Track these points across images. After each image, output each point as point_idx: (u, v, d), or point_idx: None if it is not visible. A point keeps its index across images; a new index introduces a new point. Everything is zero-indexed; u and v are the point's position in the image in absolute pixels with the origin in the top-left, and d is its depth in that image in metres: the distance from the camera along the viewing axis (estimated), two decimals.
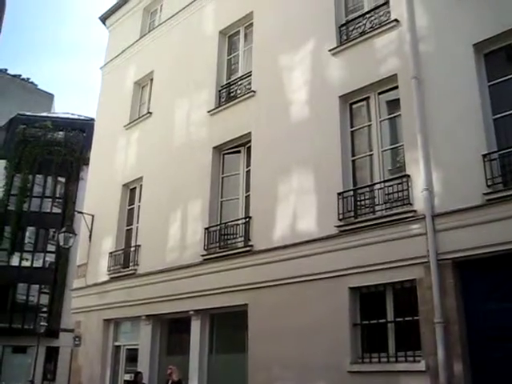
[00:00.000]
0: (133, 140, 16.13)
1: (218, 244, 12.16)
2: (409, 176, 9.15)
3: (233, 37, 14.40)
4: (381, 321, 9.07)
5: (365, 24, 10.91)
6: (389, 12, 10.51)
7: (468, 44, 8.99)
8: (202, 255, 12.21)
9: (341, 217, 9.80)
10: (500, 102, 8.69)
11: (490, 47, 8.97)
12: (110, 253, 15.07)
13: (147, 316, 13.25)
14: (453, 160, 8.63)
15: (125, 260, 14.68)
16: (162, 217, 13.73)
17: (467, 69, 8.91)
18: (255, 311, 10.75)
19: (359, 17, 11.15)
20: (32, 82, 49.94)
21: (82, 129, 36.63)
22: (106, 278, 14.94)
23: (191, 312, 12.09)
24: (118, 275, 14.52)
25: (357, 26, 11.07)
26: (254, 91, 12.53)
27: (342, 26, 11.34)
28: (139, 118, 16.24)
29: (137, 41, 17.69)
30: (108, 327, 14.75)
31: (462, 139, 8.59)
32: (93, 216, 16.18)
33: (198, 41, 14.92)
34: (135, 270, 14.04)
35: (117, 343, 14.69)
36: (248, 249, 11.29)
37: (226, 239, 12.14)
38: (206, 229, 12.39)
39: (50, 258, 34.32)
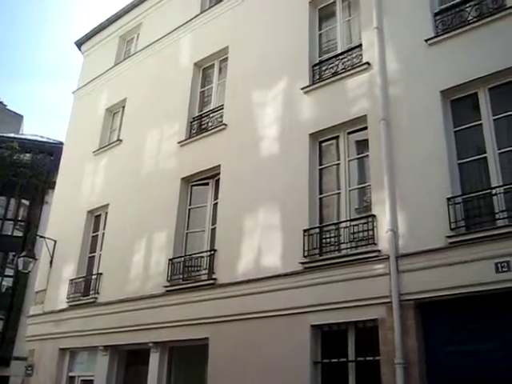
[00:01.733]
0: (101, 166, 15.99)
1: (181, 276, 12.02)
2: (374, 216, 9.25)
3: (207, 69, 14.52)
4: (342, 360, 9.01)
5: (337, 65, 11.15)
6: (361, 55, 10.78)
7: (436, 90, 9.27)
8: (165, 286, 12.04)
9: (306, 254, 9.82)
10: (465, 147, 8.94)
11: (457, 94, 9.26)
12: (71, 280, 14.74)
13: (105, 346, 12.91)
14: (418, 202, 8.77)
15: (85, 288, 14.36)
16: (126, 245, 13.53)
17: (434, 114, 9.16)
18: (216, 346, 10.58)
19: (332, 57, 11.40)
20: (1, 102, 49.26)
21: (49, 152, 36.08)
22: (64, 305, 14.57)
23: (150, 344, 11.83)
24: (78, 303, 14.17)
25: (330, 66, 11.30)
26: (226, 124, 12.60)
27: (316, 65, 11.57)
28: (109, 144, 16.14)
29: (111, 67, 17.72)
30: (63, 357, 14.29)
31: (428, 182, 8.77)
32: (55, 241, 15.86)
33: (173, 71, 15.00)
34: (95, 298, 13.74)
35: (71, 374, 14.21)
36: (211, 282, 11.18)
37: (189, 271, 12.02)
38: (170, 260, 12.25)
39: (8, 282, 33.33)
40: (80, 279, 14.62)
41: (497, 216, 8.10)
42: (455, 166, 8.82)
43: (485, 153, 8.64)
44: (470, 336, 7.92)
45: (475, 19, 9.38)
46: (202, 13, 15.23)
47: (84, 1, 56.71)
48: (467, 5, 9.72)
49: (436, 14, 10.01)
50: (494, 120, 8.75)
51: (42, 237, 16.51)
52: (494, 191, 8.25)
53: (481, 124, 8.86)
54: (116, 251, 13.81)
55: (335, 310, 9.06)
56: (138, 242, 13.37)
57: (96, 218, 15.54)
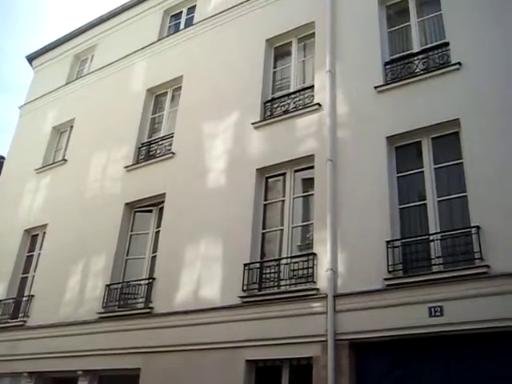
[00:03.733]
0: (43, 185, 15.58)
1: (117, 303, 11.73)
2: (315, 254, 9.36)
3: (160, 96, 14.52)
4: None
5: (289, 103, 11.37)
6: (313, 95, 11.04)
7: (382, 136, 9.59)
8: (99, 312, 11.71)
9: (245, 288, 9.79)
10: (406, 192, 9.24)
11: (402, 141, 9.61)
12: (0, 300, 14.14)
13: (29, 373, 12.29)
14: (358, 243, 8.94)
15: (14, 310, 13.78)
16: (62, 268, 13.11)
17: (379, 158, 9.44)
18: (148, 377, 10.30)
19: (285, 96, 11.63)
20: None
21: None
22: None
23: (79, 372, 11.38)
24: (5, 326, 13.57)
25: (281, 104, 11.52)
26: (174, 153, 12.57)
27: (268, 102, 11.77)
28: (53, 163, 15.79)
29: (62, 86, 17.46)
30: None
31: (369, 224, 8.97)
32: None
33: (125, 95, 14.92)
34: (24, 321, 13.19)
35: None
36: (148, 310, 10.96)
37: (126, 298, 11.76)
38: (107, 286, 11.96)
39: None
40: (10, 300, 14.04)
41: (433, 261, 8.35)
42: (396, 211, 9.08)
43: (425, 199, 8.94)
44: (403, 378, 8.04)
45: (422, 72, 9.83)
46: (159, 40, 15.32)
47: (40, 15, 55.86)
48: (415, 58, 10.20)
49: (386, 64, 10.43)
50: (435, 169, 9.11)
51: None
52: (431, 237, 8.52)
53: (423, 171, 9.19)
54: (51, 273, 13.36)
55: (271, 345, 9.04)
56: (75, 265, 13.00)
57: (33, 237, 15.05)
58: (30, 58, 19.65)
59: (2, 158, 25.52)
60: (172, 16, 16.15)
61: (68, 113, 16.52)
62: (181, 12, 15.90)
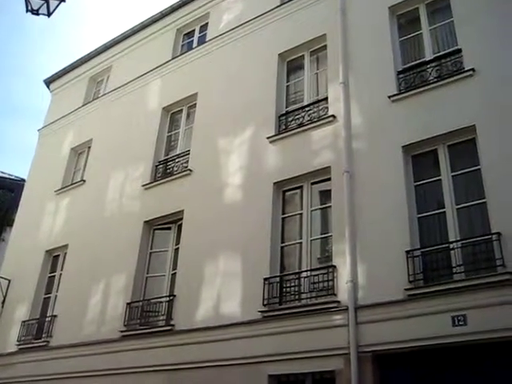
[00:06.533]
0: (62, 206, 15.75)
1: (139, 321, 11.76)
2: (335, 266, 9.31)
3: (175, 114, 14.64)
4: None
5: (303, 116, 11.39)
6: (327, 107, 11.05)
7: (398, 145, 9.55)
8: (121, 331, 11.75)
9: (265, 302, 9.76)
10: (424, 201, 9.17)
11: (418, 150, 9.55)
12: (23, 321, 14.23)
13: None
14: (378, 254, 8.88)
15: (38, 330, 13.87)
16: (84, 288, 13.20)
17: (396, 168, 9.39)
18: None
19: (299, 109, 11.65)
20: None
21: (10, 188, 35.28)
22: (14, 348, 14.00)
23: None
24: (29, 346, 13.67)
25: (296, 117, 11.54)
26: (191, 170, 12.64)
27: (282, 115, 11.80)
28: (72, 184, 15.97)
29: (79, 107, 17.70)
30: None
31: (388, 234, 8.90)
32: (9, 280, 15.39)
33: (141, 114, 15.07)
34: (47, 341, 13.28)
35: None
36: (169, 328, 10.96)
37: (147, 316, 11.78)
38: (128, 304, 12.00)
39: None
40: (33, 321, 14.15)
41: (454, 270, 8.24)
42: (415, 220, 9.00)
43: (443, 208, 8.86)
44: None
45: (436, 79, 9.80)
46: (173, 59, 15.48)
47: (55, 39, 56.88)
48: (428, 66, 10.17)
49: (399, 73, 10.41)
50: (453, 176, 9.04)
51: None
52: (451, 245, 8.43)
53: (440, 179, 9.12)
54: (73, 293, 13.46)
55: (293, 360, 8.97)
56: (96, 285, 13.08)
57: (54, 258, 15.18)
58: (48, 82, 19.98)
59: (23, 180, 25.84)
60: (185, 34, 16.33)
61: (85, 134, 16.73)
62: (193, 30, 16.07)
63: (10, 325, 14.58)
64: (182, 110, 14.44)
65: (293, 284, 9.89)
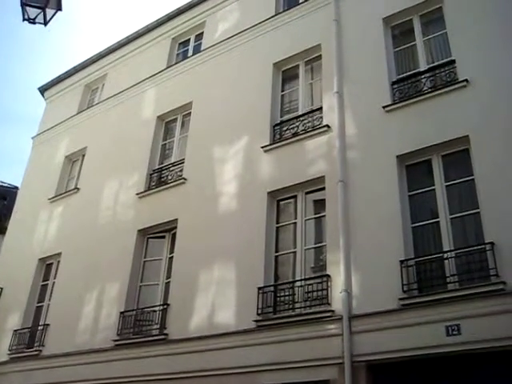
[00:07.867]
0: (56, 214, 15.69)
1: (132, 330, 11.70)
2: (329, 276, 9.31)
3: (170, 123, 14.66)
4: None
5: (298, 126, 11.43)
6: (321, 117, 11.10)
7: (392, 155, 9.59)
8: (114, 340, 11.69)
9: (260, 311, 9.74)
10: (419, 211, 9.20)
11: (412, 160, 9.60)
12: (15, 330, 14.13)
13: None
14: (372, 263, 8.89)
15: (30, 339, 13.77)
16: (77, 296, 13.12)
17: (390, 177, 9.43)
18: None
19: (293, 119, 11.70)
20: None
21: (3, 196, 35.19)
22: (5, 358, 13.88)
23: None
24: (20, 355, 13.56)
25: (290, 126, 11.58)
26: (185, 179, 12.64)
27: (277, 125, 11.83)
28: (66, 192, 15.93)
29: (74, 115, 17.69)
30: None
31: (382, 244, 8.93)
32: (1, 289, 15.26)
33: (135, 123, 15.08)
34: (40, 350, 13.18)
35: None
36: (163, 337, 10.92)
37: (141, 325, 11.73)
38: (122, 313, 11.95)
39: None
40: (25, 330, 14.04)
41: (448, 280, 8.27)
42: (409, 229, 9.03)
43: (437, 217, 8.89)
44: None
45: (430, 90, 9.87)
46: (167, 68, 15.53)
47: (50, 47, 56.95)
48: (422, 76, 10.24)
49: (393, 83, 10.48)
50: (447, 186, 9.08)
51: None
52: (445, 255, 8.46)
53: (434, 189, 9.16)
54: (66, 302, 13.37)
55: (288, 369, 8.94)
56: (89, 293, 13.02)
57: (47, 266, 15.10)
58: (42, 90, 19.96)
59: (16, 187, 25.72)
60: (180, 43, 16.41)
61: (80, 142, 16.71)
62: (189, 39, 16.16)
63: (1, 334, 14.45)
64: (176, 119, 14.45)
65: (287, 293, 9.88)
